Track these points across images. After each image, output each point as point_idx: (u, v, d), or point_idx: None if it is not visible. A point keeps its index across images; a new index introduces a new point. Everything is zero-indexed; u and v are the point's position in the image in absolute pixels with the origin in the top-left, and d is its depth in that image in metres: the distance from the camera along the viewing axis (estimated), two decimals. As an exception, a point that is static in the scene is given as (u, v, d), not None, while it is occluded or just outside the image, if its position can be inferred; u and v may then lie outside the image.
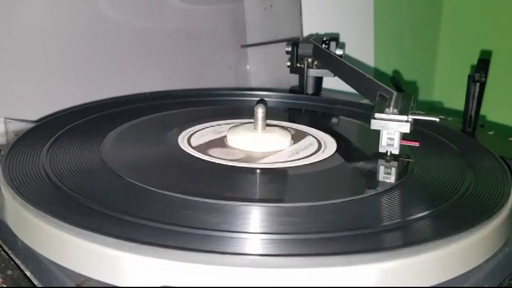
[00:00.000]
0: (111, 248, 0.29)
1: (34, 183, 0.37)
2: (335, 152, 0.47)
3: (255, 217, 0.34)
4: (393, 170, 0.43)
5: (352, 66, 0.58)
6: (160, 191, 0.36)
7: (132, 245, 0.29)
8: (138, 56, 0.72)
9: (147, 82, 0.72)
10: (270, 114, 0.49)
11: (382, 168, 0.43)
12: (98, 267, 0.30)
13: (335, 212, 0.35)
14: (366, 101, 0.60)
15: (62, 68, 0.65)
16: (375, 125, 0.44)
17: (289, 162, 0.43)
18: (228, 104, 0.65)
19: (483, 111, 0.60)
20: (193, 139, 0.48)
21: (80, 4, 0.65)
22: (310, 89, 0.74)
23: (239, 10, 0.82)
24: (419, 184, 0.40)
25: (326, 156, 0.45)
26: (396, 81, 0.71)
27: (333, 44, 0.72)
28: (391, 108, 0.44)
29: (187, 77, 0.77)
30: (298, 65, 0.74)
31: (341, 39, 0.84)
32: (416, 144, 0.45)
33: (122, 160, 0.42)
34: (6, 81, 0.60)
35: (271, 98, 0.65)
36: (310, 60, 0.73)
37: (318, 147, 0.48)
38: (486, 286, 0.32)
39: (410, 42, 1.16)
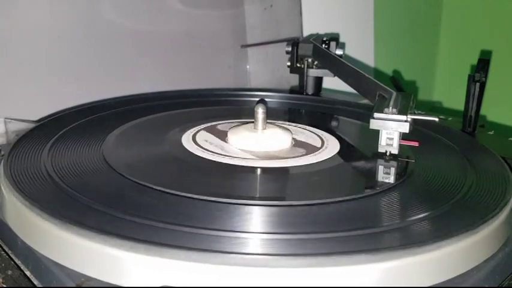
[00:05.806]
0: (111, 248, 0.29)
1: (34, 183, 0.37)
2: (335, 152, 0.47)
3: (255, 217, 0.34)
4: (392, 169, 0.43)
5: (352, 66, 0.58)
6: (161, 190, 0.36)
7: (133, 244, 0.29)
8: (138, 56, 0.72)
9: (147, 82, 0.72)
10: (270, 114, 0.49)
11: (381, 168, 0.43)
12: (98, 267, 0.30)
13: (334, 212, 0.35)
14: (365, 101, 0.60)
15: (62, 68, 0.65)
16: (374, 124, 0.44)
17: (289, 162, 0.43)
18: (228, 104, 0.65)
19: (483, 111, 0.60)
20: (193, 139, 0.48)
21: (80, 4, 0.65)
22: (310, 89, 0.74)
23: (239, 10, 0.82)
24: (419, 184, 0.40)
25: (326, 157, 0.45)
26: (396, 81, 0.71)
27: (333, 44, 0.72)
28: (390, 108, 0.44)
29: (187, 77, 0.77)
30: (298, 65, 0.74)
31: (341, 39, 0.84)
32: (416, 144, 0.45)
33: (123, 159, 0.42)
34: (6, 81, 0.60)
35: (271, 98, 0.65)
36: (310, 60, 0.73)
37: (318, 147, 0.48)
38: (486, 286, 0.32)
39: (410, 42, 1.16)
